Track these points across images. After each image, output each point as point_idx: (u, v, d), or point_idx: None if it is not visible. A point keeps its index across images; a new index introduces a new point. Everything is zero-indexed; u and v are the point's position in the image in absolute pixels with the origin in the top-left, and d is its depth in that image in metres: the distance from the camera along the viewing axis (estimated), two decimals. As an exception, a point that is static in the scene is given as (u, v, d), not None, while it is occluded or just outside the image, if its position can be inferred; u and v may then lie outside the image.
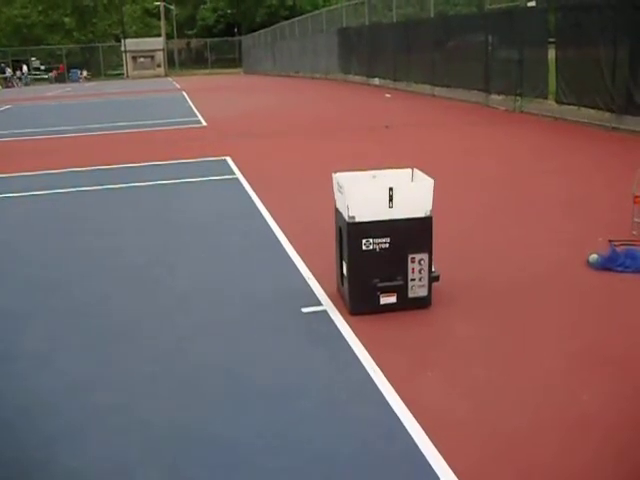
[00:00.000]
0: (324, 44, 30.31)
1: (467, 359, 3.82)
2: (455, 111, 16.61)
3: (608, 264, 5.12)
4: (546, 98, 14.54)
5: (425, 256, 4.35)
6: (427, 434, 3.07)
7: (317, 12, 33.72)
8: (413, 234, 4.31)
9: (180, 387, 3.63)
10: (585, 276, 5.03)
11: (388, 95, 21.10)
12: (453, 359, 3.85)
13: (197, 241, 6.33)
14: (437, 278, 4.46)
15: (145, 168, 10.28)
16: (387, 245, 4.28)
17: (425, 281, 4.38)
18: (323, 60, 30.73)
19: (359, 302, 4.37)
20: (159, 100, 26.40)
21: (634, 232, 5.87)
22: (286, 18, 49.56)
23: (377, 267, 4.30)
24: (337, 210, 4.57)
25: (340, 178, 4.48)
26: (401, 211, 4.26)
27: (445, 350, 3.97)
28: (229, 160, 10.31)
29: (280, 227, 6.48)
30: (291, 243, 5.97)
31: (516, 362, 3.78)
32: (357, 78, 27.13)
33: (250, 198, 7.76)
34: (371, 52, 24.81)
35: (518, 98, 15.40)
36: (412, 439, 3.05)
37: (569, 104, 13.56)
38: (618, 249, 5.30)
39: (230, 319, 4.49)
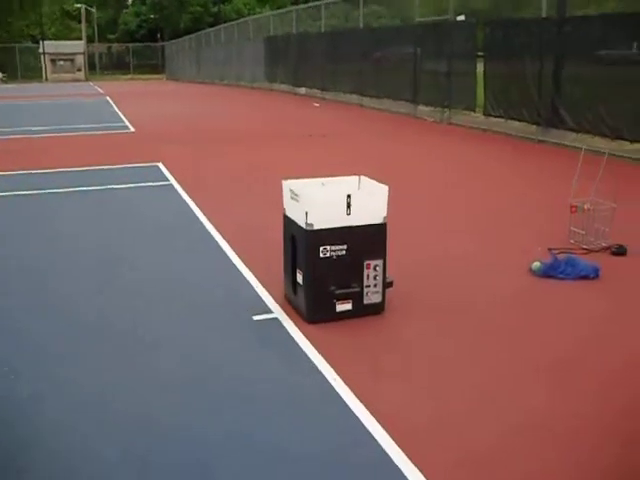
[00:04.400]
0: (250, 52, 30.21)
1: (425, 364, 3.85)
2: (384, 121, 16.80)
3: (550, 271, 5.25)
4: (474, 111, 14.89)
5: (380, 262, 4.35)
6: (394, 439, 3.06)
7: (244, 19, 33.60)
8: (369, 240, 4.31)
9: (139, 401, 3.50)
10: (528, 282, 5.14)
11: (317, 104, 21.19)
12: (411, 365, 3.86)
13: (136, 251, 6.11)
14: (391, 284, 4.47)
15: (74, 174, 9.95)
16: (344, 252, 4.26)
17: (380, 287, 4.39)
18: (249, 68, 30.62)
19: (315, 310, 4.32)
20: (83, 104, 25.72)
21: (572, 240, 6.04)
22: (210, 25, 49.25)
23: (334, 274, 4.28)
24: (288, 218, 4.52)
25: (293, 185, 4.43)
26: (358, 218, 4.25)
27: (403, 356, 3.97)
28: (161, 166, 10.11)
29: (221, 234, 6.37)
30: (234, 250, 5.87)
31: (469, 365, 3.82)
32: (283, 87, 27.13)
33: (187, 205, 7.61)
34: (298, 61, 24.87)
35: (446, 110, 15.70)
36: (380, 445, 3.04)
37: (497, 117, 13.91)
38: (559, 257, 5.43)
39: (181, 331, 4.34)
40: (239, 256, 5.70)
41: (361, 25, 19.91)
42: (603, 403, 3.43)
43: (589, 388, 3.58)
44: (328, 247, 4.23)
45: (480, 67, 14.31)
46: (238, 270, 5.40)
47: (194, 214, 7.19)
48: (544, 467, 2.90)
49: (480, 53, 14.25)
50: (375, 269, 4.34)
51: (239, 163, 10.61)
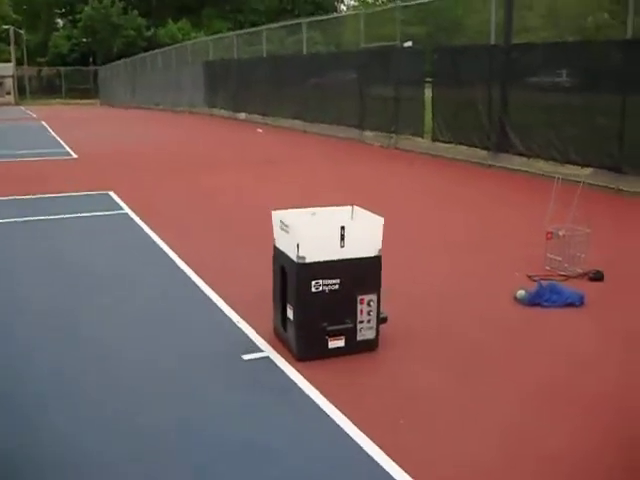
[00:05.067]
0: (189, 77, 29.89)
1: (429, 404, 3.68)
2: (331, 147, 16.74)
3: (536, 299, 5.17)
4: (422, 136, 14.96)
5: (374, 297, 4.18)
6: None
7: (182, 44, 33.26)
8: (363, 274, 4.13)
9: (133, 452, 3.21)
10: (517, 312, 5.05)
11: (260, 130, 21.02)
12: (416, 404, 3.68)
13: (100, 293, 5.50)
14: (385, 319, 4.30)
15: (17, 202, 9.46)
16: (337, 286, 4.07)
17: (374, 323, 4.21)
18: (187, 93, 30.27)
19: (307, 347, 4.11)
20: (17, 129, 24.90)
21: (547, 267, 6.00)
22: (144, 49, 48.70)
23: (326, 310, 4.08)
24: (278, 249, 4.31)
25: (283, 216, 4.23)
26: (352, 250, 4.07)
27: (406, 396, 3.78)
28: (112, 194, 9.74)
29: (191, 267, 6.06)
30: (208, 285, 5.59)
31: (475, 401, 3.68)
32: (223, 112, 26.89)
33: (148, 236, 7.28)
34: (239, 86, 24.70)
35: (393, 135, 15.75)
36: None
37: (445, 142, 14.01)
38: (543, 284, 5.36)
39: (171, 379, 3.98)
40: (214, 290, 5.42)
41: (304, 51, 19.89)
42: (601, 433, 3.33)
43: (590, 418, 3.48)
44: (320, 281, 4.03)
45: (428, 93, 14.41)
46: (216, 306, 5.12)
47: (157, 245, 6.87)
48: None
49: (428, 79, 14.35)
50: (369, 304, 4.16)
51: (195, 190, 10.31)
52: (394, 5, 15.68)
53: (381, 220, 4.15)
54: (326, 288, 4.05)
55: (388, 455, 3.13)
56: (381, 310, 4.25)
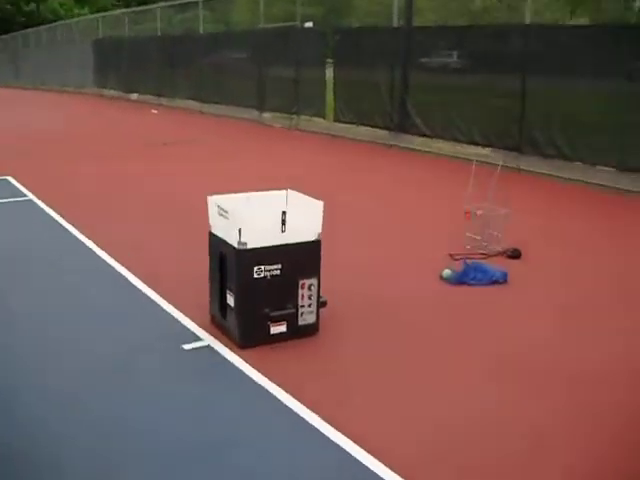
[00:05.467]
0: (77, 56, 28.63)
1: (373, 380, 3.75)
2: (230, 128, 16.52)
3: (462, 278, 5.31)
4: (324, 117, 15.00)
5: (315, 281, 4.17)
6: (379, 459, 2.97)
7: (68, 21, 31.80)
8: (304, 259, 4.11)
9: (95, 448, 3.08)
10: (445, 291, 5.17)
11: (155, 111, 20.48)
12: (360, 382, 3.75)
13: (18, 285, 5.26)
14: (325, 303, 4.29)
15: None
16: (278, 272, 4.03)
17: (314, 307, 4.20)
18: (76, 73, 29.01)
19: (249, 334, 4.06)
20: None
21: (467, 246, 6.16)
22: (24, 25, 46.26)
23: (268, 295, 4.04)
24: (215, 236, 4.22)
25: (221, 201, 4.14)
26: (292, 235, 4.03)
27: (349, 375, 3.83)
28: (12, 180, 9.25)
29: (111, 255, 5.84)
30: (133, 273, 5.40)
31: (415, 375, 3.79)
32: (114, 93, 25.99)
33: (60, 224, 6.93)
34: (131, 66, 23.91)
35: (294, 116, 15.72)
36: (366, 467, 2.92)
37: (348, 122, 14.10)
38: (468, 263, 5.50)
39: (111, 372, 3.84)
40: (140, 279, 5.25)
41: (201, 30, 19.49)
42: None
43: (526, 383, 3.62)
44: (262, 267, 3.99)
45: (330, 74, 14.44)
46: (145, 295, 4.96)
47: (71, 233, 6.57)
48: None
49: (329, 60, 14.37)
50: (310, 288, 4.15)
51: (98, 174, 9.92)
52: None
53: (321, 204, 4.13)
54: (268, 274, 4.00)
55: (340, 431, 3.19)
56: (321, 294, 4.24)
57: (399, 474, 2.87)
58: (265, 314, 4.03)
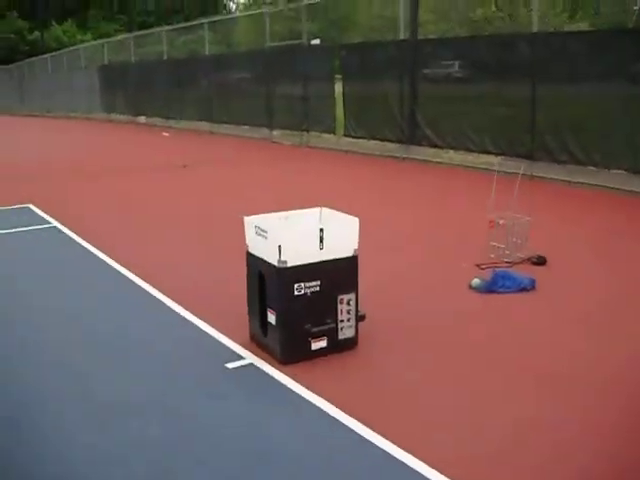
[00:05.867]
0: (83, 82, 28.94)
1: (416, 391, 3.85)
2: (244, 147, 16.68)
3: (491, 287, 5.40)
4: (333, 133, 15.15)
5: (353, 296, 4.27)
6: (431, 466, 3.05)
7: (74, 48, 32.13)
8: (341, 274, 4.21)
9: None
10: (476, 300, 5.26)
11: (166, 134, 20.67)
12: (403, 392, 3.85)
13: (68, 324, 5.15)
14: (363, 317, 4.39)
15: None
16: (318, 288, 4.13)
17: (353, 321, 4.30)
18: (83, 99, 29.33)
19: (291, 350, 4.16)
20: None
21: (491, 255, 6.25)
22: (28, 54, 46.70)
23: (308, 312, 4.14)
24: (253, 255, 4.33)
25: (258, 221, 4.25)
26: (330, 252, 4.14)
27: (392, 386, 3.93)
28: (33, 207, 9.38)
29: (145, 280, 5.92)
30: (168, 296, 5.49)
31: (458, 386, 3.86)
32: (122, 117, 26.25)
33: (88, 250, 7.03)
34: (138, 90, 24.16)
35: (304, 133, 15.87)
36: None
37: (358, 137, 14.25)
38: (496, 272, 5.59)
39: (164, 395, 3.92)
40: (176, 301, 5.34)
41: (207, 51, 19.71)
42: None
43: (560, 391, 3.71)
44: (302, 284, 4.09)
45: (338, 89, 14.59)
46: (183, 317, 5.05)
47: (102, 260, 6.63)
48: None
49: (338, 76, 14.53)
50: (348, 303, 4.25)
51: (123, 198, 10.07)
52: (298, 4, 15.74)
53: (356, 220, 4.24)
54: (307, 290, 4.10)
55: (387, 439, 3.28)
56: (359, 308, 4.34)
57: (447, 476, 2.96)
58: (306, 330, 4.13)
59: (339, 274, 4.19)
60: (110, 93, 26.98)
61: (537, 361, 4.21)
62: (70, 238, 7.60)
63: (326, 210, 4.53)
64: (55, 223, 8.37)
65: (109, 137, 21.61)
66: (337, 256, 4.16)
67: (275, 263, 4.03)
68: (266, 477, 3.07)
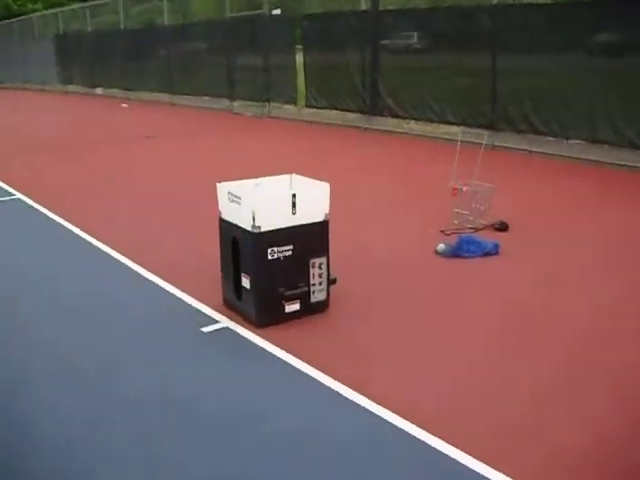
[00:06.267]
0: (37, 52, 28.25)
1: (387, 347, 4.01)
2: (205, 118, 16.57)
3: (457, 252, 5.55)
4: (295, 103, 15.14)
5: (324, 260, 4.37)
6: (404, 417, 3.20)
7: (26, 17, 31.26)
8: (313, 239, 4.32)
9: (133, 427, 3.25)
10: (443, 264, 5.41)
11: (125, 105, 20.40)
12: (373, 349, 4.02)
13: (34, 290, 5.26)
14: (334, 281, 4.50)
15: None
16: (290, 252, 4.22)
17: (324, 285, 4.41)
18: (37, 70, 28.67)
19: (266, 313, 4.26)
20: None
21: (455, 221, 6.40)
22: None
23: (282, 276, 4.23)
24: (227, 222, 4.40)
25: (231, 188, 4.31)
26: (302, 217, 4.23)
27: (363, 344, 4.08)
28: (-4, 180, 9.26)
29: (116, 250, 5.93)
30: (138, 263, 5.53)
31: (424, 341, 4.05)
32: (79, 89, 25.76)
33: (55, 221, 7.00)
34: (95, 61, 23.70)
35: (266, 104, 15.83)
36: (403, 431, 3.13)
37: (320, 108, 14.27)
38: (462, 237, 5.75)
39: (137, 356, 4.01)
40: (146, 269, 5.39)
41: (165, 21, 19.45)
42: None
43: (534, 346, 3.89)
44: (276, 248, 4.18)
45: (300, 60, 14.56)
46: (154, 283, 5.11)
47: (69, 230, 6.63)
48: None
49: (299, 46, 14.49)
50: (320, 267, 4.35)
51: (87, 169, 9.99)
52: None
53: (327, 186, 4.33)
54: (281, 255, 4.20)
55: (363, 394, 3.44)
56: (330, 272, 4.44)
57: (423, 428, 3.11)
58: (280, 293, 4.23)
59: (311, 239, 4.29)
60: (66, 64, 26.42)
61: (504, 318, 4.38)
62: (36, 209, 7.55)
63: (296, 176, 4.61)
64: (19, 195, 8.29)
65: (68, 109, 21.24)
66: (309, 221, 4.26)
67: (249, 228, 4.11)
68: (249, 431, 3.18)
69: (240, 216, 4.20)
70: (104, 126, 15.78)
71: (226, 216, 4.38)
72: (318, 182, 4.44)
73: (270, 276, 4.20)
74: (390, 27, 12.89)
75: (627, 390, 3.48)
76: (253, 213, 4.06)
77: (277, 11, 14.53)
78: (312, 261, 4.31)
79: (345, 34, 13.25)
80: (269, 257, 4.16)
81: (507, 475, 2.77)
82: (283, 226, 4.17)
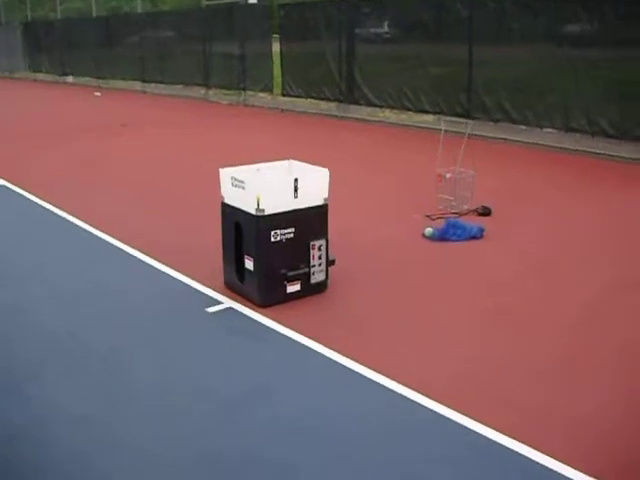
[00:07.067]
0: (3, 38, 27.83)
1: (383, 324, 4.24)
2: (179, 106, 16.59)
3: (444, 235, 5.78)
4: (271, 92, 15.25)
5: (323, 242, 4.56)
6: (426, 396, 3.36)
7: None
8: (313, 222, 4.50)
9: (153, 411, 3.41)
10: (427, 246, 5.64)
11: (98, 94, 20.27)
12: (372, 324, 4.24)
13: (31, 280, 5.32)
14: (333, 262, 4.68)
15: None
16: (292, 235, 4.40)
17: (324, 266, 4.59)
18: (4, 57, 28.26)
19: (268, 293, 4.43)
20: None
21: (440, 207, 6.62)
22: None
23: (284, 257, 4.41)
24: (229, 206, 4.55)
25: (234, 173, 4.47)
26: (303, 201, 4.41)
27: (361, 320, 4.30)
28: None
29: (104, 232, 6.06)
30: (132, 247, 5.66)
31: (420, 317, 4.22)
32: (49, 77, 25.49)
33: (43, 207, 7.08)
34: (66, 48, 23.47)
35: (242, 92, 15.92)
36: (414, 402, 3.33)
37: (296, 96, 14.41)
38: (448, 221, 5.97)
39: (146, 336, 4.15)
40: (142, 252, 5.52)
41: (139, 9, 19.37)
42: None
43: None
44: (278, 231, 4.35)
45: (276, 49, 14.66)
46: (152, 266, 5.25)
47: (57, 215, 6.72)
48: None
49: (275, 35, 14.59)
50: (320, 249, 4.54)
51: (64, 156, 10.01)
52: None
53: (326, 171, 4.51)
54: (283, 237, 4.37)
55: (368, 367, 3.64)
56: (330, 253, 4.63)
57: (423, 394, 3.34)
58: (282, 274, 4.40)
59: (311, 221, 4.47)
60: (35, 51, 26.09)
61: (490, 297, 4.61)
62: (23, 196, 7.60)
63: (294, 162, 4.78)
64: (2, 182, 8.32)
65: (40, 97, 21.03)
66: (309, 204, 4.43)
67: (253, 212, 4.28)
68: (263, 402, 3.36)
69: (243, 200, 4.36)
70: (80, 114, 15.72)
71: (229, 200, 4.54)
72: (317, 167, 4.61)
73: (273, 258, 4.37)
74: (367, 16, 13.04)
75: (629, 364, 3.71)
76: (258, 197, 4.22)
77: (253, 0, 14.60)
78: (312, 243, 4.49)
79: (321, 23, 13.39)
80: (272, 239, 4.33)
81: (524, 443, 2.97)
82: (285, 209, 4.34)
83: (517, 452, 2.91)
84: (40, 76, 26.12)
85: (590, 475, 2.74)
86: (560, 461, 2.82)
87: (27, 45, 26.47)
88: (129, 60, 20.06)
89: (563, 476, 2.75)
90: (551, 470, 2.79)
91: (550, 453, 2.87)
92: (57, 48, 24.01)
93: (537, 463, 2.84)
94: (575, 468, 2.78)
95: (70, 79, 24.23)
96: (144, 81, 19.57)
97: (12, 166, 9.34)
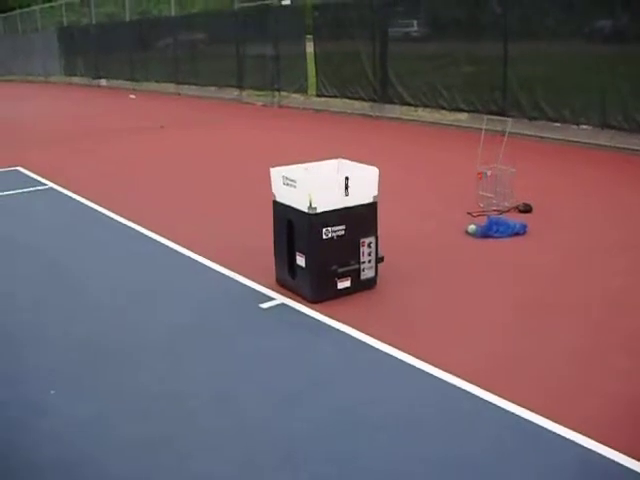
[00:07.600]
0: (41, 44, 28.41)
1: (433, 319, 4.36)
2: (216, 108, 16.85)
3: (487, 232, 5.87)
4: (305, 92, 15.42)
5: (373, 239, 4.68)
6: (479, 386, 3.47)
7: (30, 9, 31.34)
8: (363, 219, 4.62)
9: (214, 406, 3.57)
10: (475, 244, 5.73)
11: (133, 96, 20.62)
12: (422, 319, 4.36)
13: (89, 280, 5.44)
14: (382, 259, 4.80)
15: None
16: (343, 232, 4.53)
17: (373, 263, 4.71)
18: (40, 62, 28.84)
19: (320, 289, 4.56)
20: None
21: (480, 204, 6.71)
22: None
23: (335, 254, 4.54)
24: (281, 204, 4.69)
25: (285, 172, 4.61)
26: (353, 199, 4.53)
27: (412, 317, 4.41)
28: (22, 170, 9.52)
29: (161, 234, 6.20)
30: (187, 248, 5.81)
31: (471, 311, 4.34)
32: (84, 80, 25.95)
33: (96, 210, 7.23)
34: (100, 52, 23.89)
35: (276, 93, 16.10)
36: (467, 392, 3.44)
37: (330, 96, 14.55)
38: (491, 218, 6.06)
39: (203, 331, 4.29)
40: (197, 253, 5.68)
41: (172, 12, 19.65)
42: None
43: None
44: (330, 228, 4.48)
45: (310, 49, 14.82)
46: (206, 266, 5.39)
47: (113, 219, 6.86)
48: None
49: (309, 35, 14.75)
50: (369, 246, 4.66)
51: (111, 160, 10.26)
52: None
53: (376, 170, 4.63)
54: (334, 234, 4.50)
55: (435, 366, 3.72)
56: (378, 250, 4.76)
57: (478, 386, 3.45)
58: (333, 271, 4.53)
59: (361, 219, 4.60)
60: (70, 56, 26.62)
61: (537, 291, 4.70)
62: (71, 198, 7.82)
63: (343, 161, 4.91)
64: (50, 184, 8.55)
65: (76, 100, 21.44)
66: (359, 202, 4.56)
67: (305, 210, 4.41)
68: (325, 394, 3.50)
69: (295, 198, 4.50)
70: (119, 116, 16.03)
71: (280, 198, 4.68)
72: (367, 166, 4.74)
73: (324, 255, 4.50)
74: (400, 15, 13.15)
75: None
76: (310, 195, 4.36)
77: (287, 1, 14.77)
78: (362, 240, 4.62)
79: (355, 23, 13.52)
80: (324, 237, 4.46)
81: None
82: (336, 207, 4.47)
83: (573, 441, 3.00)
84: (75, 80, 26.64)
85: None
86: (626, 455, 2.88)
87: (62, 49, 26.98)
88: (162, 63, 20.38)
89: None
90: (612, 461, 2.86)
91: (615, 446, 2.94)
92: (91, 52, 24.44)
93: (591, 451, 2.93)
94: None
95: (103, 82, 24.67)
96: (178, 83, 19.87)
97: (61, 168, 9.58)
